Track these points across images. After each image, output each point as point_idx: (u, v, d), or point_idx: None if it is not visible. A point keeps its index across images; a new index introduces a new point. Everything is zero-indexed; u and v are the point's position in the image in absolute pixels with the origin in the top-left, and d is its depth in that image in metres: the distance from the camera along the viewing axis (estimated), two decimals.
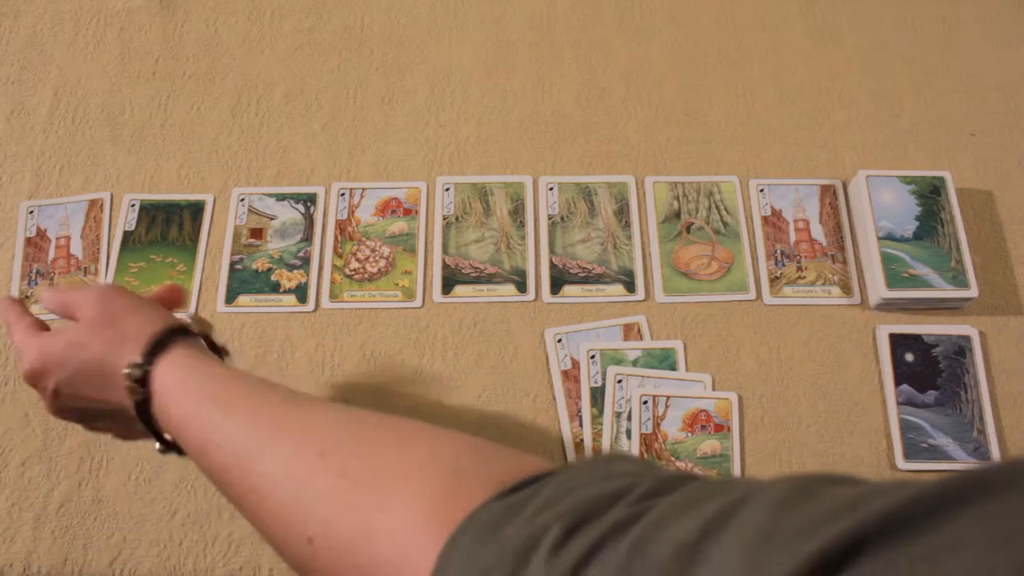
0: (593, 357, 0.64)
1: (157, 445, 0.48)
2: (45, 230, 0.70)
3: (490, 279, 0.67)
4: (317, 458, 0.37)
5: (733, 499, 0.25)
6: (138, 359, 0.45)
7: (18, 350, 0.49)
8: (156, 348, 0.45)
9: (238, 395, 0.43)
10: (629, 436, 0.61)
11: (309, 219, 0.70)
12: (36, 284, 0.68)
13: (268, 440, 0.40)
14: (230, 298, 0.67)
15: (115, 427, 0.52)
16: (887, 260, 0.65)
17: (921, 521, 0.20)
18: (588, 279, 0.67)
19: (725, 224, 0.69)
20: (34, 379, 0.48)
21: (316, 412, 0.42)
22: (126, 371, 0.45)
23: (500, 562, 0.28)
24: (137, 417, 0.46)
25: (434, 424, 0.39)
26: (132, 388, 0.45)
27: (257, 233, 0.69)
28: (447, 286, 0.67)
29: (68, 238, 0.69)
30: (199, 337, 0.50)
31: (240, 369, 0.48)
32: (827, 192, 0.70)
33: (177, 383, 0.44)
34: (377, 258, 0.68)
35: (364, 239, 0.69)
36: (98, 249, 0.69)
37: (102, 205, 0.70)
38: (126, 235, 0.70)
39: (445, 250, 0.68)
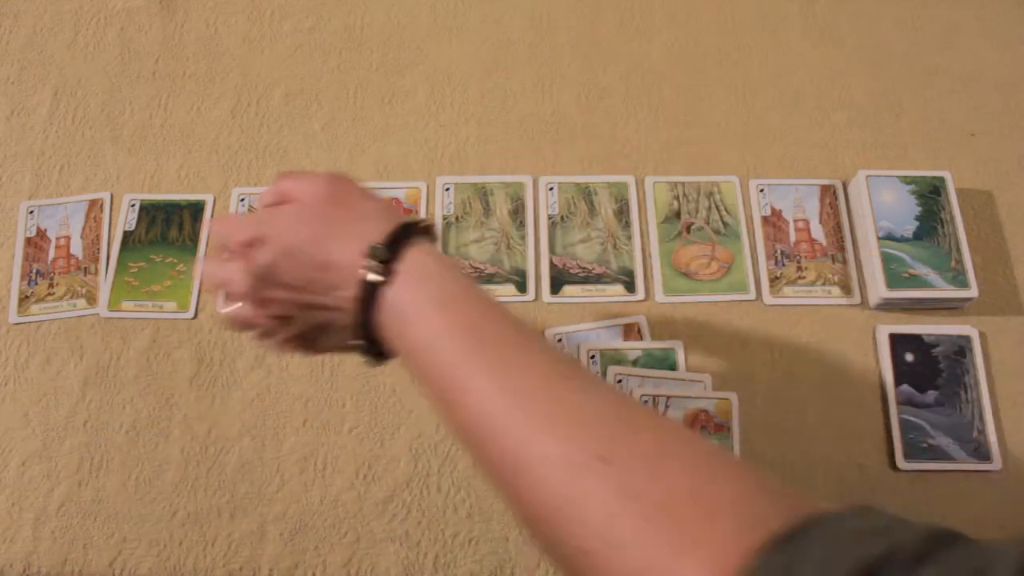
0: (593, 357, 0.64)
1: (363, 355, 0.42)
2: (45, 230, 0.70)
3: (490, 279, 0.67)
4: (599, 463, 0.32)
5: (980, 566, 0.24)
6: (380, 240, 0.39)
7: (236, 223, 0.43)
8: (398, 237, 0.39)
9: (494, 329, 0.38)
10: None
11: None
12: (36, 284, 0.68)
13: (537, 419, 0.34)
14: None
15: (310, 331, 0.44)
16: (887, 260, 0.65)
17: None
18: (588, 279, 0.67)
19: (725, 224, 0.69)
20: (251, 244, 0.41)
21: (589, 384, 0.36)
22: (371, 247, 0.39)
23: None
24: (359, 316, 0.39)
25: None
26: (372, 267, 0.38)
27: None
28: None
29: (68, 238, 0.69)
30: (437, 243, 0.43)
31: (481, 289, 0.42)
32: (827, 192, 0.70)
33: (422, 291, 0.38)
34: None
35: None
36: (98, 249, 0.69)
37: (102, 205, 0.70)
38: (126, 235, 0.70)
39: (445, 250, 0.68)
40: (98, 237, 0.69)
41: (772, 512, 0.31)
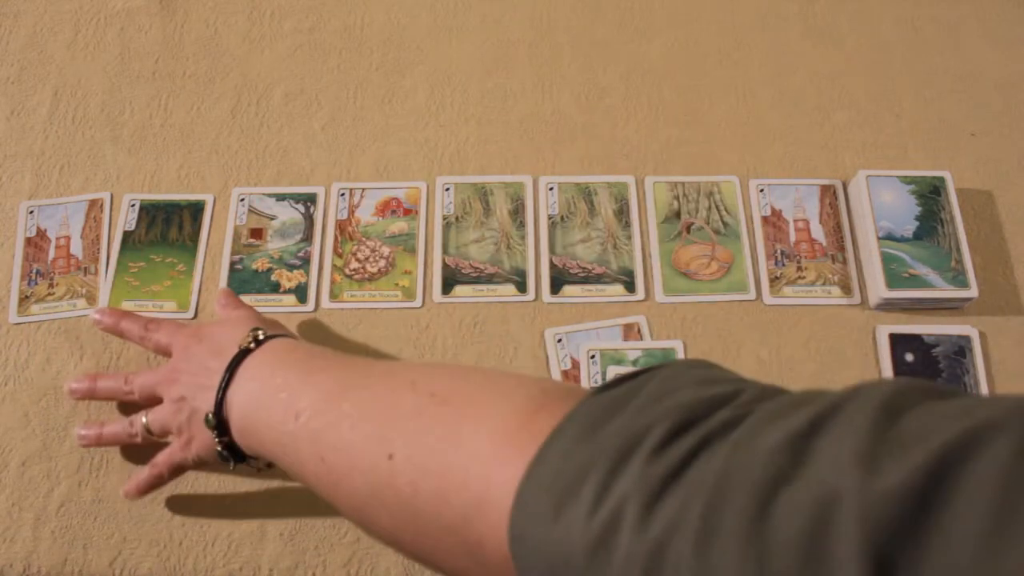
0: (593, 357, 0.64)
1: (231, 463, 0.52)
2: (45, 230, 0.70)
3: (490, 279, 0.67)
4: (408, 385, 0.38)
5: (836, 399, 0.24)
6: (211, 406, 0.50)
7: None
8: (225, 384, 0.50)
9: (315, 370, 0.46)
10: None
11: (309, 219, 0.70)
12: (36, 284, 0.68)
13: (354, 386, 0.42)
14: None
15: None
16: (887, 260, 0.65)
17: None
18: (588, 279, 0.67)
19: (725, 224, 0.69)
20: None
21: (402, 362, 0.44)
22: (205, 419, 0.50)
23: (599, 458, 0.27)
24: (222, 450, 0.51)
25: None
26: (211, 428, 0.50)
27: (257, 233, 0.69)
28: (447, 286, 0.67)
29: (68, 238, 0.69)
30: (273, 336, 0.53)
31: (308, 345, 0.52)
32: (827, 192, 0.70)
33: (247, 402, 0.48)
34: (377, 258, 0.68)
35: (364, 239, 0.69)
36: (98, 249, 0.69)
37: (102, 205, 0.70)
38: (126, 235, 0.70)
39: (445, 250, 0.68)
40: (98, 237, 0.69)
41: (576, 387, 0.36)
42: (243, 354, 0.51)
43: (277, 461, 0.47)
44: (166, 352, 0.58)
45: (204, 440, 0.52)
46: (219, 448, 0.51)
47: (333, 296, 0.67)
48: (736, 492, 0.23)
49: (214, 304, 0.62)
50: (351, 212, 0.70)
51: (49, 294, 0.67)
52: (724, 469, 0.24)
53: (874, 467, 0.21)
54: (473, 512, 0.32)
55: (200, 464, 0.55)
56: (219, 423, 0.50)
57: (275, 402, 0.45)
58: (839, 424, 0.23)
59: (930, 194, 0.67)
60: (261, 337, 0.52)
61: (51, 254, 0.69)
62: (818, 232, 0.69)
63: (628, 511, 0.25)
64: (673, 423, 0.27)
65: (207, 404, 0.50)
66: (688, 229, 0.69)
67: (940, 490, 0.19)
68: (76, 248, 0.69)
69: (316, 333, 0.65)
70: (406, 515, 0.35)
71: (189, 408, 0.52)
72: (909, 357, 0.64)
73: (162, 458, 0.55)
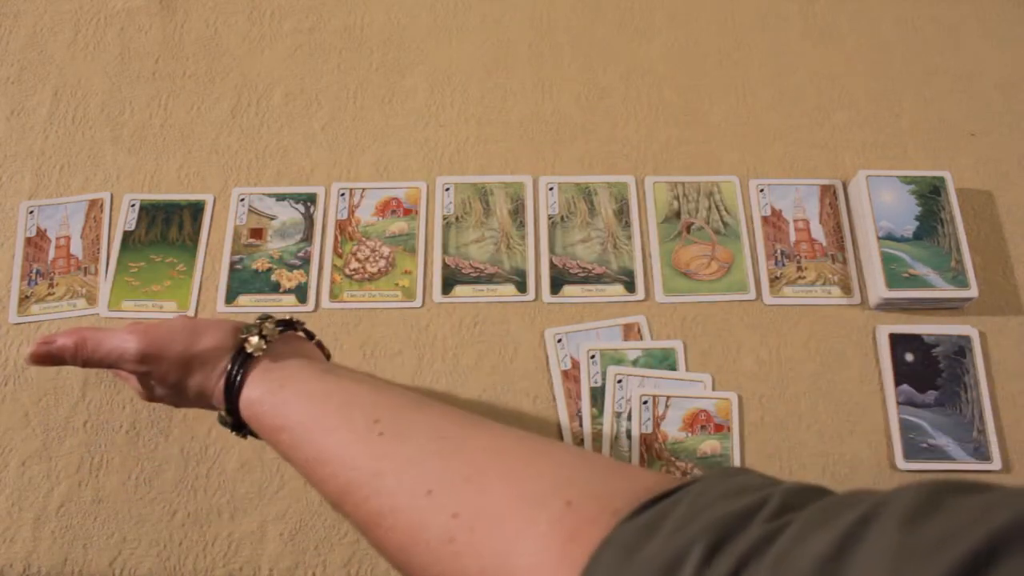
0: (593, 357, 0.64)
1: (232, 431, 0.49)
2: (45, 230, 0.70)
3: (490, 279, 0.67)
4: (425, 497, 0.37)
5: (864, 512, 0.25)
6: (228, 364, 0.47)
7: (122, 341, 0.49)
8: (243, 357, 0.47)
9: (331, 408, 0.43)
10: (629, 436, 0.61)
11: (309, 219, 0.70)
12: (36, 284, 0.68)
13: (373, 469, 0.40)
14: (230, 298, 0.67)
15: (185, 403, 0.52)
16: (887, 260, 0.65)
17: None
18: (588, 279, 0.67)
19: (725, 224, 0.69)
20: (145, 361, 0.49)
21: (408, 438, 0.41)
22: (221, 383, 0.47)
23: None
24: (226, 414, 0.48)
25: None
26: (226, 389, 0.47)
27: (257, 233, 0.69)
28: (447, 286, 0.67)
29: (68, 238, 0.69)
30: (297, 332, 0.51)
31: (326, 367, 0.48)
32: (827, 192, 0.70)
33: (273, 393, 0.45)
34: (377, 258, 0.68)
35: (364, 239, 0.69)
36: (98, 249, 0.69)
37: (102, 205, 0.70)
38: (126, 235, 0.70)
39: (445, 250, 0.68)
40: (98, 237, 0.69)
41: (619, 493, 0.34)
42: (246, 357, 0.47)
43: (282, 449, 0.45)
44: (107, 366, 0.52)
45: (195, 403, 0.50)
46: (227, 424, 0.48)
47: (333, 296, 0.67)
48: None
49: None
50: (351, 212, 0.70)
51: (49, 294, 0.67)
52: None
53: None
54: None
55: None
56: (235, 422, 0.47)
57: (291, 437, 0.44)
58: (865, 547, 0.24)
59: (930, 194, 0.67)
60: (267, 332, 0.48)
61: (51, 254, 0.69)
62: (818, 232, 0.69)
63: None
64: (708, 543, 0.28)
65: (217, 399, 0.48)
66: (688, 229, 0.69)
67: None
68: (76, 248, 0.69)
69: (316, 333, 0.65)
70: None
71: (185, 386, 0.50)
72: (909, 357, 0.64)
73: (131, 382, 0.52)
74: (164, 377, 0.49)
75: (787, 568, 0.25)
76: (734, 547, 0.27)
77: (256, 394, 0.45)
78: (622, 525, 0.31)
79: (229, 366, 0.47)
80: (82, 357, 0.49)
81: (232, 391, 0.46)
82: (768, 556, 0.26)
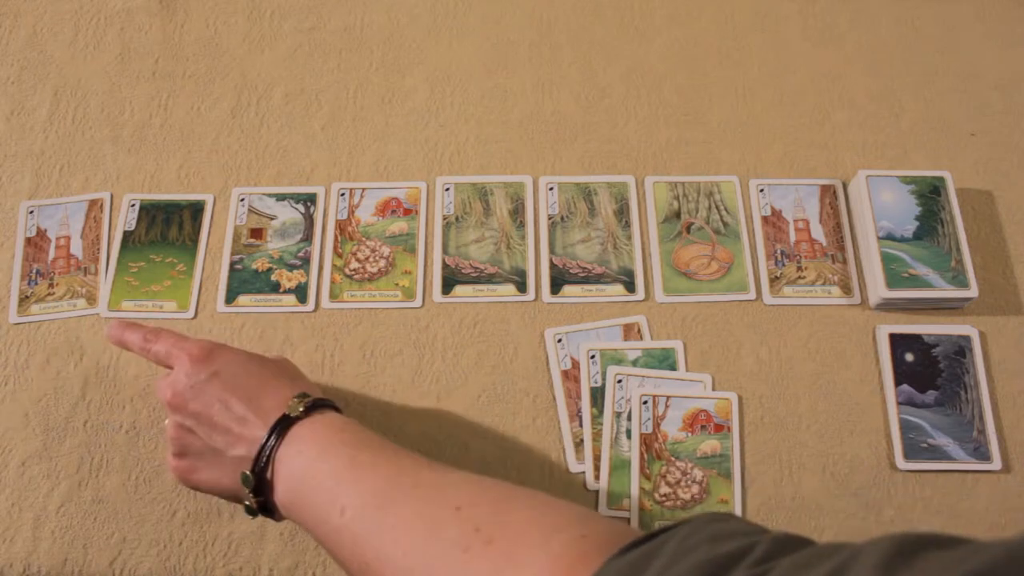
0: (593, 357, 0.64)
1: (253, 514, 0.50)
2: (45, 230, 0.70)
3: (490, 279, 0.67)
4: (453, 511, 0.39)
5: (842, 561, 0.26)
6: (257, 449, 0.48)
7: (170, 356, 0.52)
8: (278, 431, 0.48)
9: (363, 464, 0.45)
10: (629, 436, 0.61)
11: (309, 219, 0.70)
12: (36, 284, 0.68)
13: (399, 496, 0.42)
14: (230, 298, 0.67)
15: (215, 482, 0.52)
16: (887, 260, 0.65)
17: None
18: (588, 279, 0.67)
19: (725, 224, 0.69)
20: (204, 360, 0.51)
21: (448, 473, 0.43)
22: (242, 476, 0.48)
23: None
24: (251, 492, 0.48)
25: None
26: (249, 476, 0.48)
27: (257, 233, 0.69)
28: (447, 286, 0.67)
29: (68, 238, 0.69)
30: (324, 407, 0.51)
31: (356, 428, 0.49)
32: (827, 192, 0.70)
33: (291, 477, 0.46)
34: (377, 258, 0.68)
35: (364, 239, 0.69)
36: (98, 249, 0.69)
37: (102, 205, 0.70)
38: (126, 235, 0.70)
39: (445, 250, 0.68)
40: (98, 237, 0.69)
41: (614, 530, 0.35)
42: (290, 420, 0.48)
43: (316, 540, 0.47)
44: (166, 365, 0.55)
45: (216, 477, 0.51)
46: (249, 503, 0.49)
47: (333, 296, 0.67)
48: None
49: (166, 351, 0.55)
50: (351, 212, 0.70)
51: (49, 294, 0.67)
52: None
53: None
54: None
55: (196, 488, 0.53)
56: (259, 483, 0.48)
57: (320, 489, 0.45)
58: None
59: (930, 194, 0.67)
60: (310, 405, 0.49)
61: (51, 254, 0.69)
62: (818, 232, 0.69)
63: None
64: None
65: (239, 453, 0.48)
66: (688, 229, 0.69)
67: None
68: (76, 248, 0.69)
69: (316, 333, 0.65)
70: None
71: (203, 443, 0.50)
72: (909, 357, 0.64)
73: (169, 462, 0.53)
74: (209, 407, 0.50)
75: None
76: None
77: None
78: (611, 561, 0.32)
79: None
80: (145, 338, 0.54)
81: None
82: None
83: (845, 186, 0.71)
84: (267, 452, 0.47)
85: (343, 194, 0.70)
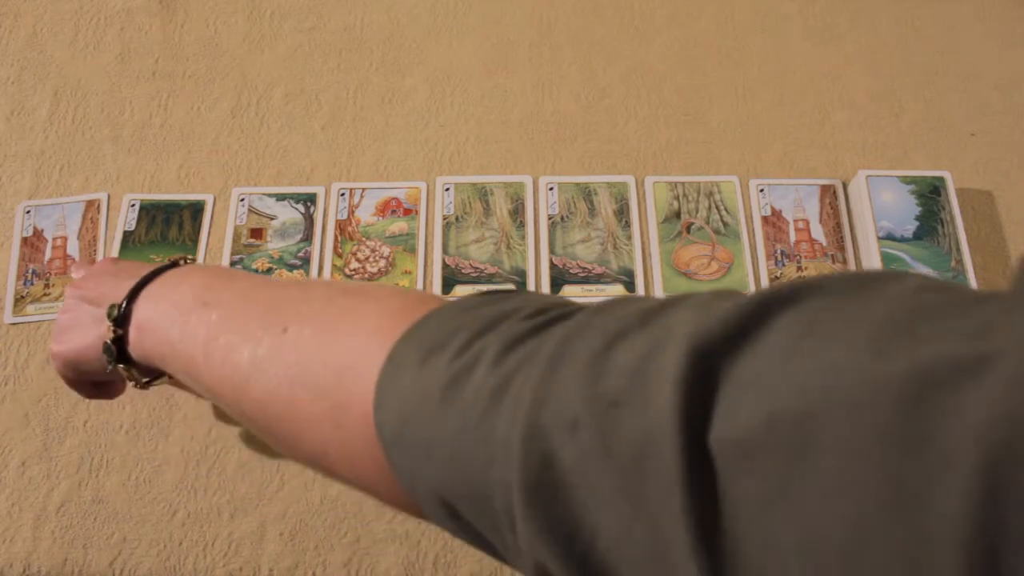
0: None
1: (130, 381, 0.49)
2: (42, 230, 0.70)
3: (490, 279, 0.67)
4: (322, 284, 0.41)
5: (655, 339, 0.27)
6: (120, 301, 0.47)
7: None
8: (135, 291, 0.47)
9: (235, 276, 0.45)
10: None
11: (309, 219, 0.70)
12: (32, 284, 0.68)
13: (272, 286, 0.42)
14: None
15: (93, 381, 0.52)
16: (887, 260, 0.65)
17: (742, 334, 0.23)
18: (588, 279, 0.67)
19: (725, 224, 0.69)
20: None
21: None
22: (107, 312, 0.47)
23: (471, 324, 0.31)
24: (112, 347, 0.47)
25: None
26: (111, 327, 0.46)
27: (257, 233, 0.69)
28: (447, 286, 0.67)
29: (64, 239, 0.69)
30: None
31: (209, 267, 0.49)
32: (827, 192, 0.70)
33: (151, 311, 0.46)
34: (377, 258, 0.68)
35: (364, 239, 0.69)
36: (95, 250, 0.69)
37: (99, 206, 0.70)
38: (126, 235, 0.69)
39: (445, 250, 0.68)
40: (95, 238, 0.69)
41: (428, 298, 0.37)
42: (159, 270, 0.48)
43: (167, 358, 0.45)
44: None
45: (89, 335, 0.50)
46: (109, 340, 0.47)
47: None
48: (590, 335, 0.27)
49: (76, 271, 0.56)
50: (351, 212, 0.70)
51: (45, 294, 0.67)
52: (584, 322, 0.28)
53: (709, 310, 0.24)
54: (348, 373, 0.34)
55: (70, 368, 0.51)
56: (121, 316, 0.47)
57: (184, 295, 0.45)
58: (688, 298, 0.27)
59: (930, 194, 0.67)
60: (169, 264, 0.50)
61: (47, 254, 0.69)
62: (818, 232, 0.69)
63: (487, 352, 0.29)
64: (543, 304, 0.31)
65: (113, 298, 0.48)
66: (688, 229, 0.69)
67: (762, 317, 0.23)
68: (72, 249, 0.69)
69: None
70: (282, 385, 0.36)
71: (85, 315, 0.50)
72: None
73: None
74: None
75: (611, 311, 0.28)
76: (566, 308, 0.30)
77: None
78: (467, 295, 0.35)
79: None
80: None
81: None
82: (593, 309, 0.29)
83: (845, 186, 0.71)
84: (138, 286, 0.47)
85: (343, 194, 0.70)
